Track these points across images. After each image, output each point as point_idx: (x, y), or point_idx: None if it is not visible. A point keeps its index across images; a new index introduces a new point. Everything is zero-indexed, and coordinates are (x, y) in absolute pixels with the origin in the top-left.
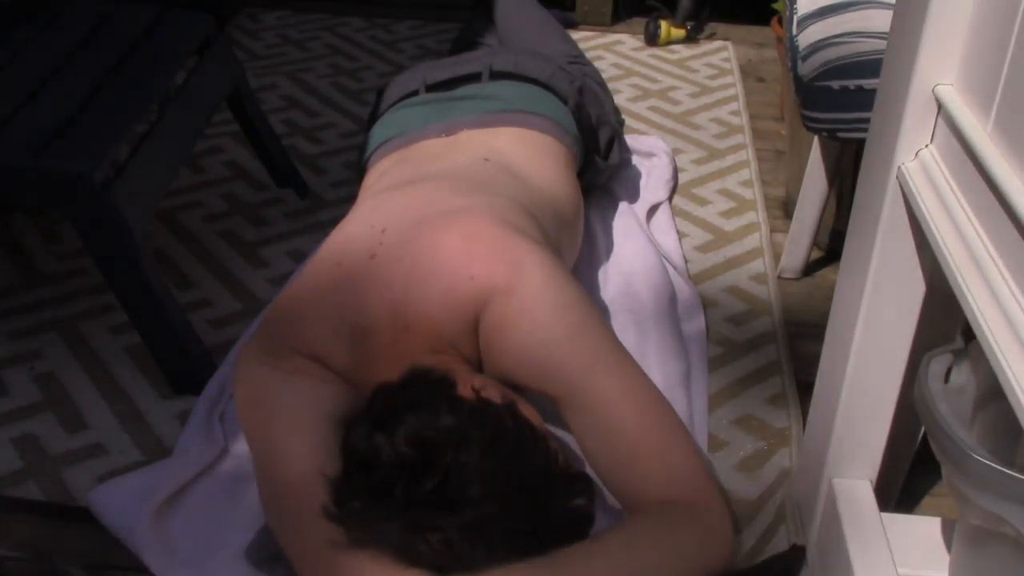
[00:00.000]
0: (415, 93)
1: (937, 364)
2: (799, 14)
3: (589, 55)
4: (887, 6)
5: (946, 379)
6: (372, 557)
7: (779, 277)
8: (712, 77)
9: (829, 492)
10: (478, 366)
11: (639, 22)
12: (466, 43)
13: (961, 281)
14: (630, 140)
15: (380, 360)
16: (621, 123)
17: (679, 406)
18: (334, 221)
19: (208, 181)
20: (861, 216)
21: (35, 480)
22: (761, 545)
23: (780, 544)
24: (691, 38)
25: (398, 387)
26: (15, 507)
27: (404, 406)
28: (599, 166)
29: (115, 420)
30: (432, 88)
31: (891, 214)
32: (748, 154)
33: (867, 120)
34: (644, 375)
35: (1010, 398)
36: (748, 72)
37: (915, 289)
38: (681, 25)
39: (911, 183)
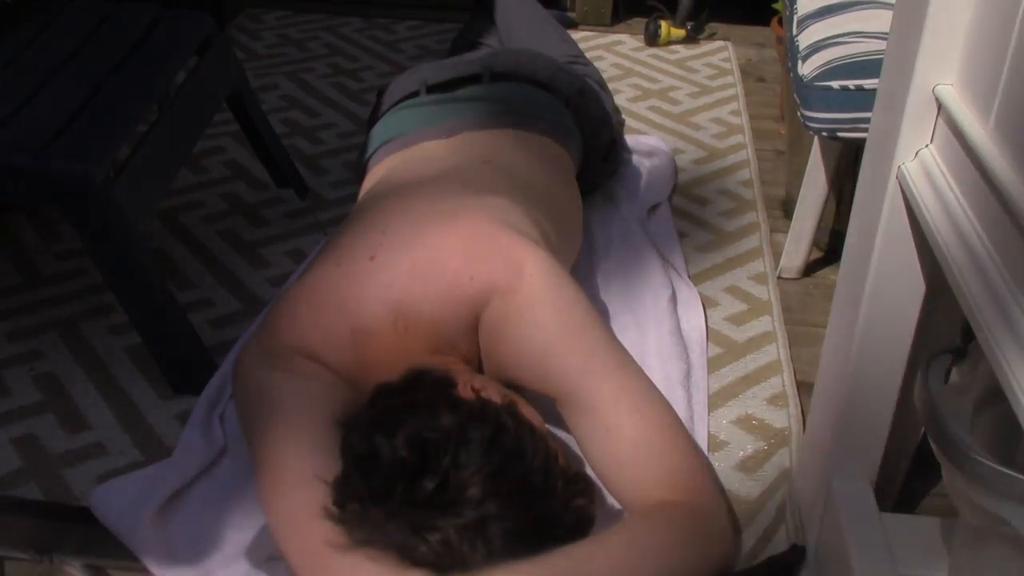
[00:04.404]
0: (416, 94)
1: (937, 364)
2: (799, 14)
3: (589, 55)
4: (887, 6)
5: (946, 379)
6: (372, 558)
7: (779, 277)
8: (712, 77)
9: (829, 492)
10: (478, 366)
11: (639, 22)
12: (466, 43)
13: (961, 281)
14: (630, 140)
15: (380, 360)
16: (621, 123)
17: (679, 406)
18: (334, 221)
19: (208, 181)
20: (861, 216)
21: (35, 480)
22: (761, 545)
23: (780, 544)
24: (691, 38)
25: (398, 388)
26: (15, 507)
27: (404, 407)
28: (599, 167)
29: (115, 420)
30: (433, 89)
31: (891, 214)
32: (748, 154)
33: (867, 120)
34: (644, 375)
35: (1010, 398)
36: (748, 72)
37: (915, 289)
38: (681, 25)
39: (911, 183)
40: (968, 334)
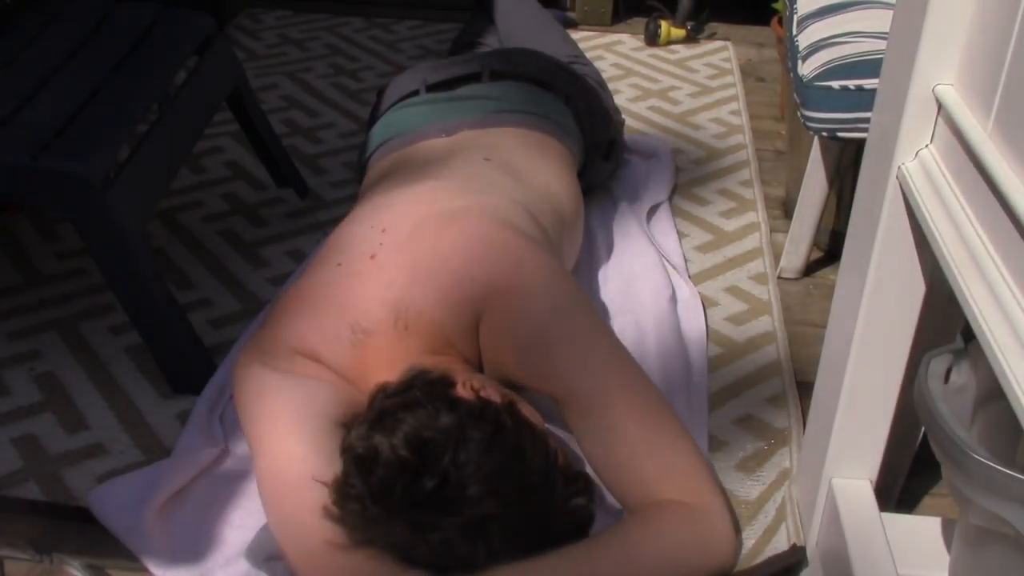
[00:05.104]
0: (415, 93)
1: (937, 364)
2: (799, 14)
3: (589, 55)
4: (887, 6)
5: (946, 379)
6: (372, 557)
7: (779, 277)
8: (712, 77)
9: (829, 492)
10: (478, 366)
11: (639, 22)
12: (466, 43)
13: (961, 281)
14: (630, 140)
15: (380, 360)
16: (621, 123)
17: (679, 406)
18: (334, 221)
19: (208, 181)
20: (861, 216)
21: (35, 480)
22: (761, 545)
23: (780, 544)
24: (691, 38)
25: (397, 388)
26: (15, 507)
27: (403, 406)
28: (599, 166)
29: (115, 420)
30: (432, 88)
31: (891, 214)
32: (748, 154)
33: (867, 120)
34: (644, 375)
35: (1010, 398)
36: (748, 72)
37: (915, 289)
38: (681, 25)
39: (911, 183)
40: (968, 334)
